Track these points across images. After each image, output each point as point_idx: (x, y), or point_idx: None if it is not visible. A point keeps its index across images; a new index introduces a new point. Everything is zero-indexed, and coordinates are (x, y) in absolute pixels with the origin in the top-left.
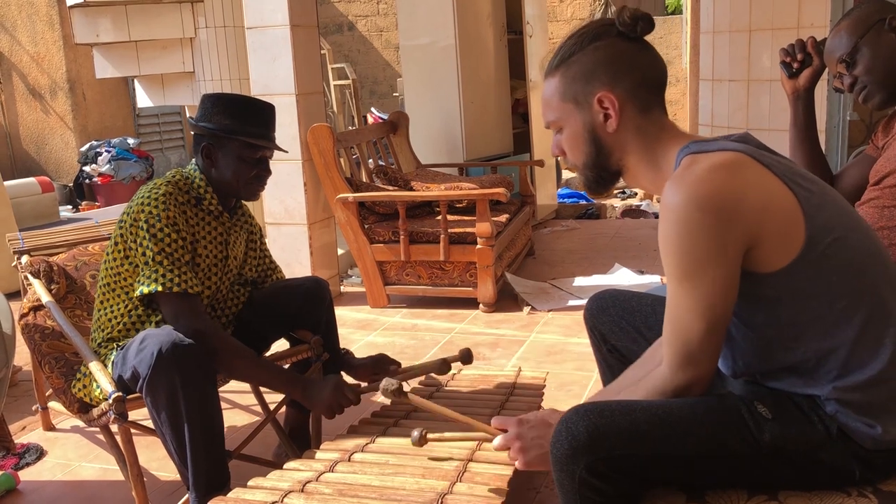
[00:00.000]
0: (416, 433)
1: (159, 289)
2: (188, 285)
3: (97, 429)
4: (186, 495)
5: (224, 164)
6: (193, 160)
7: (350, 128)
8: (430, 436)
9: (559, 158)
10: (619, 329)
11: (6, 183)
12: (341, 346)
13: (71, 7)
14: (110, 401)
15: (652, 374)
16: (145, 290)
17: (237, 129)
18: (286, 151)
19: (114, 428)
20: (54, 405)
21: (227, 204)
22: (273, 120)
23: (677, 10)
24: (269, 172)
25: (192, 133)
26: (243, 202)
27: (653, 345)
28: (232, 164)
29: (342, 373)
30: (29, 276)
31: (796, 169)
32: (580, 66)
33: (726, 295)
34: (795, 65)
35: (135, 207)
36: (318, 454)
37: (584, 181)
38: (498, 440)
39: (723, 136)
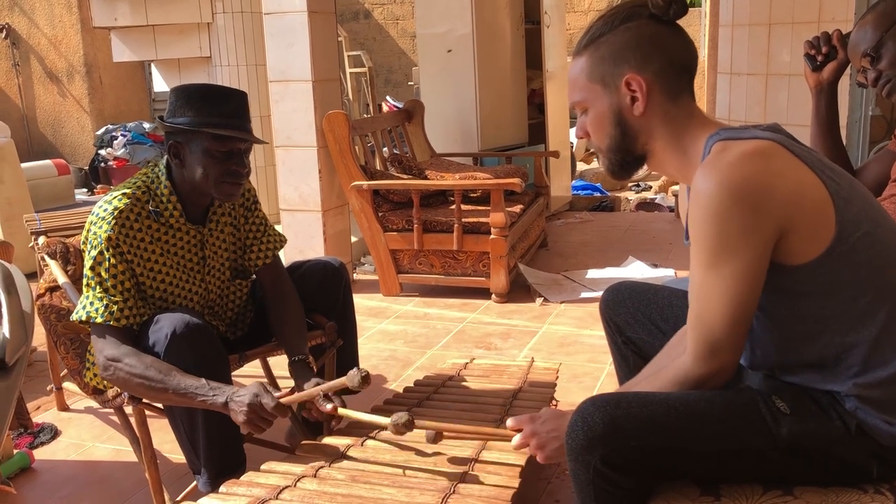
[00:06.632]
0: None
1: (84, 318)
2: (113, 317)
3: (111, 410)
4: (195, 481)
5: (192, 162)
6: (165, 159)
7: (365, 115)
8: (445, 434)
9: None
10: (635, 321)
11: (23, 165)
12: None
13: None
14: None
15: (673, 363)
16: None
17: (201, 120)
18: (265, 143)
19: (128, 409)
20: (69, 386)
21: (195, 212)
22: (244, 108)
23: (696, 3)
24: (243, 167)
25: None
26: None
27: (677, 333)
28: (200, 161)
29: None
30: (45, 257)
31: (826, 161)
32: (609, 47)
33: (753, 284)
34: (820, 58)
35: (89, 220)
36: (331, 439)
37: (607, 165)
38: (516, 439)
39: (753, 126)
